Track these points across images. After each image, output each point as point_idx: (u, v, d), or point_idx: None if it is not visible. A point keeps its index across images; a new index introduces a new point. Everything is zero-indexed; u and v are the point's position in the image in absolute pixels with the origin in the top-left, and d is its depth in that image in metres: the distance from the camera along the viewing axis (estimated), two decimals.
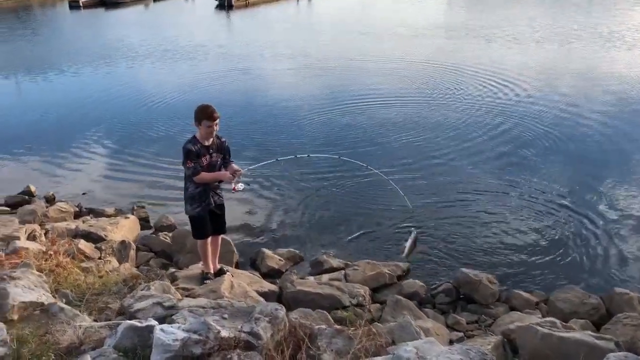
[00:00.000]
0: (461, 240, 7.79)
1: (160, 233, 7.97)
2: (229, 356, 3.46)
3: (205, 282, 5.78)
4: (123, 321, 3.94)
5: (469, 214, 8.60)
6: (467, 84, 16.66)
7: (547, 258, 7.30)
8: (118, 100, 16.77)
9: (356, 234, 8.11)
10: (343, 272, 6.74)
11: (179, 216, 8.55)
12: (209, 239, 5.86)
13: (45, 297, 4.66)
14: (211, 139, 5.45)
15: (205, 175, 5.44)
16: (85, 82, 20.00)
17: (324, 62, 21.14)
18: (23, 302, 4.35)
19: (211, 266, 6.01)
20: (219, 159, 5.57)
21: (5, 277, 4.61)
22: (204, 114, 5.31)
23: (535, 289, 6.48)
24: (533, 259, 7.27)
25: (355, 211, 8.84)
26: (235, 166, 5.58)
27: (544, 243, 7.64)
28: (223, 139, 5.63)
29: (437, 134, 12.48)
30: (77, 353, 3.74)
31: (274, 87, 17.71)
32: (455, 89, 16.29)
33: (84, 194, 10.02)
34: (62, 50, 26.80)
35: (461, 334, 5.45)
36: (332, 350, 3.96)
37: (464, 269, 6.44)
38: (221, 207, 5.84)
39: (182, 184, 5.78)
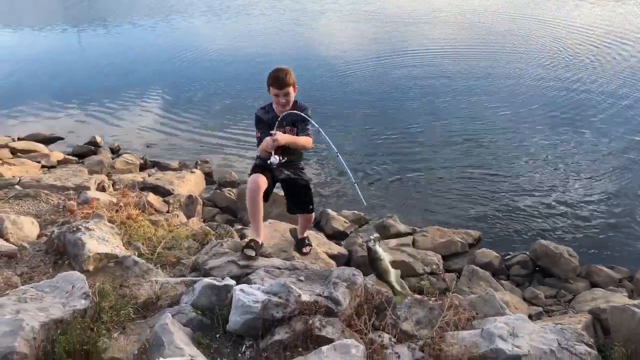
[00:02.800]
0: (535, 211, 7.39)
1: (224, 189, 7.91)
2: (310, 321, 3.32)
3: (245, 251, 4.35)
4: (200, 279, 3.86)
5: (544, 184, 8.13)
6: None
7: (629, 233, 6.84)
8: (187, 56, 16.67)
9: (421, 199, 7.83)
10: (411, 237, 6.51)
11: (243, 174, 8.50)
12: (257, 179, 4.30)
13: (119, 250, 4.65)
14: (285, 109, 4.35)
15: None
16: (156, 36, 20.04)
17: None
18: (98, 254, 4.34)
19: (259, 231, 4.51)
20: (294, 134, 4.41)
21: (80, 227, 4.61)
22: (271, 79, 4.32)
23: (617, 264, 6.07)
24: (614, 233, 6.82)
25: (420, 176, 8.53)
26: (279, 136, 4.23)
27: (625, 217, 7.17)
28: (304, 110, 4.42)
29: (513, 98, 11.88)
30: (154, 309, 3.70)
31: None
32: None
33: (148, 146, 10.07)
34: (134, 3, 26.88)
35: (540, 309, 5.18)
36: (412, 320, 3.79)
37: (542, 241, 6.10)
38: (295, 183, 4.64)
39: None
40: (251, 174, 4.49)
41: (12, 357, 2.68)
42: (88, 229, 4.62)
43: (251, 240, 4.44)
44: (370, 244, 3.72)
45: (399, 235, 6.67)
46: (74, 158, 9.19)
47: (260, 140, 4.39)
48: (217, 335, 3.38)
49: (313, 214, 4.94)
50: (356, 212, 7.37)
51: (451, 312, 3.71)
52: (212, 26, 21.40)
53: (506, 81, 13.00)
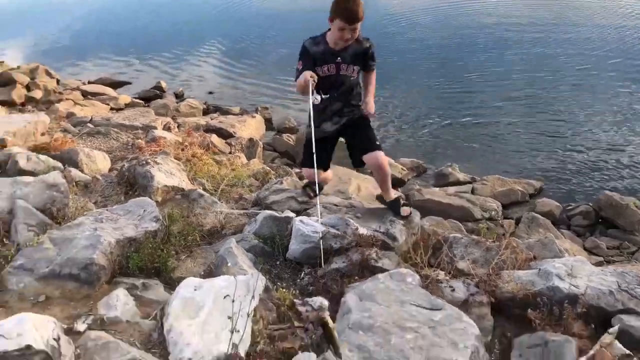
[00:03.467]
0: (600, 164, 7.15)
1: (283, 135, 8.03)
2: (367, 253, 3.41)
3: (305, 189, 4.37)
4: (262, 211, 4.00)
5: (611, 138, 7.82)
6: None
7: None
8: (245, 7, 16.70)
9: (482, 149, 7.71)
10: (470, 186, 6.46)
11: (301, 120, 8.58)
12: (310, 172, 3.91)
13: (185, 184, 4.86)
14: (344, 45, 3.73)
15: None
16: None
17: None
18: (166, 186, 4.56)
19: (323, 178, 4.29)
20: (353, 73, 3.85)
21: (149, 161, 4.83)
22: (341, 10, 3.57)
23: None
24: None
25: (483, 126, 8.37)
26: (371, 107, 3.87)
27: None
28: (368, 45, 3.83)
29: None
30: (218, 236, 3.88)
31: None
32: None
33: (210, 92, 10.28)
34: None
35: (601, 259, 5.09)
36: (469, 259, 3.82)
37: (607, 191, 5.93)
38: (353, 124, 4.04)
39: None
40: (303, 162, 4.20)
41: (92, 268, 2.91)
42: (156, 162, 4.84)
43: (313, 183, 4.05)
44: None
45: (457, 183, 6.64)
46: (141, 101, 9.53)
47: (297, 74, 3.73)
48: (277, 262, 3.53)
49: (382, 156, 3.96)
50: (415, 160, 7.35)
51: (508, 252, 3.71)
52: None
53: (579, 31, 12.37)
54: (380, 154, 3.91)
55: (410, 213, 4.02)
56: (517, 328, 3.11)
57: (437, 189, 6.36)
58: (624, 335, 2.91)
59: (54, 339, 2.39)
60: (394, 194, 4.21)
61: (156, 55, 12.89)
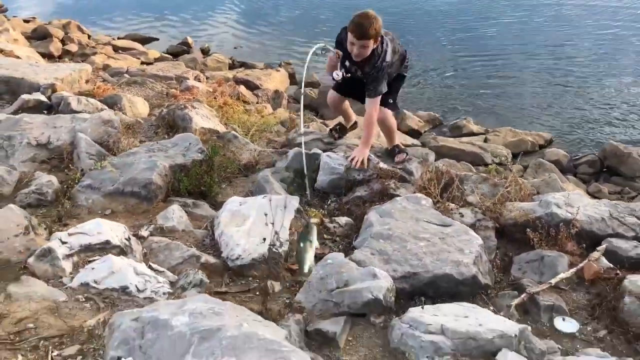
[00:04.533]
0: (609, 119, 7.47)
1: (306, 88, 8.40)
2: (386, 183, 3.85)
3: (332, 132, 4.73)
4: (292, 149, 4.44)
5: (619, 96, 8.10)
6: None
7: None
8: None
9: (497, 104, 8.04)
10: (483, 136, 6.83)
11: (323, 75, 8.95)
12: (333, 96, 4.43)
13: (220, 127, 5.30)
14: (360, 59, 3.81)
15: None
16: None
17: None
18: (203, 128, 4.99)
19: (346, 119, 4.76)
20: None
21: (187, 106, 5.27)
22: (352, 24, 3.66)
23: None
24: None
25: (498, 84, 8.67)
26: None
27: None
28: (375, 65, 3.81)
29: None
30: (253, 170, 4.33)
31: None
32: None
33: (235, 48, 10.65)
34: None
35: None
36: (477, 193, 4.24)
37: (612, 141, 6.28)
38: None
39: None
40: (334, 87, 4.43)
41: (151, 186, 3.39)
42: (194, 107, 5.28)
43: (338, 124, 4.81)
44: (310, 220, 3.20)
45: (471, 134, 7.01)
46: (169, 56, 9.93)
47: (331, 61, 4.12)
48: (307, 192, 3.98)
49: (389, 113, 4.22)
50: (431, 113, 7.71)
51: (513, 186, 4.12)
52: None
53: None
54: (386, 110, 4.17)
55: (404, 159, 4.25)
56: (517, 249, 3.53)
57: (452, 139, 6.74)
58: (611, 254, 3.32)
59: (125, 239, 2.89)
60: (396, 141, 4.44)
61: (180, 12, 13.20)
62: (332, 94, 4.44)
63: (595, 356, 2.47)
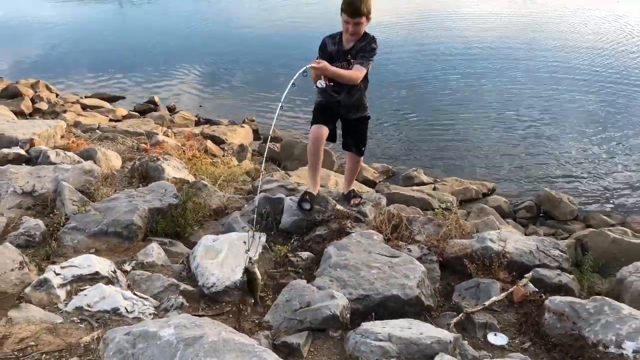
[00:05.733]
0: (546, 169, 8.25)
1: (269, 143, 8.94)
2: (343, 222, 4.33)
3: (301, 204, 4.38)
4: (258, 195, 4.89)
5: (556, 146, 8.96)
6: None
7: (627, 186, 7.66)
8: (228, 29, 17.77)
9: (445, 154, 8.76)
10: (432, 186, 7.44)
11: (285, 130, 9.55)
12: (319, 130, 4.20)
13: (190, 177, 5.72)
14: (352, 43, 4.01)
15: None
16: (198, 9, 21.17)
17: None
18: (174, 178, 5.41)
19: (316, 183, 4.54)
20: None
21: (159, 158, 5.70)
22: (345, 4, 3.87)
23: (615, 212, 6.91)
24: (614, 186, 7.66)
25: (445, 137, 9.43)
26: (324, 65, 3.80)
27: (624, 173, 8.01)
28: (368, 40, 4.01)
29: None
30: (223, 214, 4.75)
31: None
32: None
33: (200, 106, 11.19)
34: None
35: None
36: (424, 233, 4.76)
37: (547, 189, 6.96)
38: (355, 122, 4.46)
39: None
40: (312, 122, 4.30)
41: (132, 227, 3.78)
42: (165, 159, 5.71)
43: (306, 193, 4.44)
44: (249, 265, 3.06)
45: (421, 184, 7.62)
46: (136, 114, 10.36)
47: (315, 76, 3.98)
48: (272, 232, 4.41)
49: (362, 158, 4.73)
50: (385, 164, 8.32)
51: (454, 225, 4.66)
52: (253, 2, 22.40)
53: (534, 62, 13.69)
54: (361, 160, 4.78)
55: (359, 203, 4.67)
56: (458, 279, 4.01)
57: (404, 187, 7.32)
58: (538, 282, 3.84)
59: (112, 271, 3.26)
60: (352, 187, 4.88)
61: (145, 72, 13.74)
62: (315, 129, 4.23)
63: (517, 359, 2.93)
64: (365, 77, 4.17)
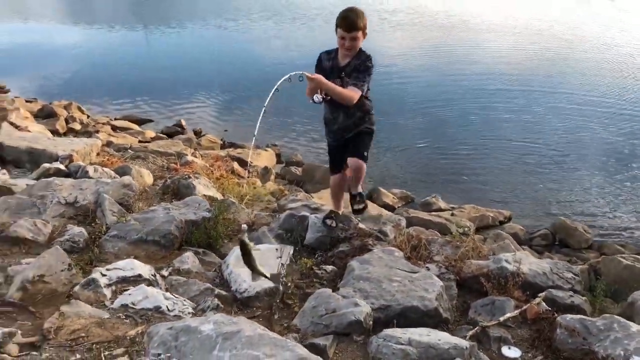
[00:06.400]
0: (558, 197, 8.43)
1: (291, 167, 9.24)
2: (365, 240, 4.57)
3: (326, 221, 4.60)
4: (284, 213, 5.16)
5: (574, 177, 9.14)
6: None
7: None
8: (251, 54, 18.35)
9: (463, 182, 8.99)
10: (450, 212, 7.64)
11: (306, 155, 9.87)
12: (336, 180, 4.62)
13: (218, 195, 6.01)
14: (347, 59, 3.98)
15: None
16: (221, 35, 21.91)
17: None
18: (205, 195, 5.70)
19: (339, 207, 4.80)
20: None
21: (190, 176, 6.01)
22: (340, 19, 3.89)
23: (630, 243, 7.04)
24: (630, 218, 7.80)
25: (464, 165, 9.67)
26: (318, 77, 3.82)
27: None
28: (363, 58, 3.98)
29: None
30: (250, 229, 5.01)
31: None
32: None
33: (225, 130, 11.58)
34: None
35: None
36: (442, 253, 4.97)
37: (563, 217, 7.14)
38: (355, 135, 4.35)
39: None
40: (330, 170, 4.70)
41: (169, 236, 4.06)
42: (196, 177, 6.02)
43: (331, 212, 4.70)
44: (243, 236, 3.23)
45: (439, 210, 7.83)
46: (164, 136, 10.75)
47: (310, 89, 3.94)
48: (297, 248, 4.65)
49: (364, 164, 4.30)
50: (404, 190, 8.56)
51: (471, 247, 4.87)
52: (274, 26, 23.14)
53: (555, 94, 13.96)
54: (362, 165, 4.27)
55: (363, 209, 4.70)
56: (474, 297, 4.21)
57: (422, 212, 7.54)
58: (550, 302, 4.02)
59: (152, 275, 3.52)
60: (359, 189, 4.67)
61: (170, 97, 14.19)
62: (334, 178, 4.61)
63: None
64: (366, 97, 4.15)
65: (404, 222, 5.24)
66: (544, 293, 4.07)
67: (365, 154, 4.33)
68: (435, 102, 12.80)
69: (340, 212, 4.74)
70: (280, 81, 3.86)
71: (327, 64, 4.12)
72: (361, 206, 4.71)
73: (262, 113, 3.90)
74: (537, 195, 8.51)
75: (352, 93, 3.89)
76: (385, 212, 7.14)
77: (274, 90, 3.89)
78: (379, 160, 9.74)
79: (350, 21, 3.84)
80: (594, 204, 8.17)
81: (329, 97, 3.97)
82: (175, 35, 22.79)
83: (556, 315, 3.77)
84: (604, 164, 9.67)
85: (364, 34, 3.94)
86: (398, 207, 8.14)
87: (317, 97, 3.95)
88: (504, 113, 12.10)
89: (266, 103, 3.86)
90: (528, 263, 4.54)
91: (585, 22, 23.06)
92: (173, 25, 24.03)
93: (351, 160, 4.29)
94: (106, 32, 24.23)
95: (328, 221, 4.58)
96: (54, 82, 15.68)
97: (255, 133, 4.39)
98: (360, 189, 4.73)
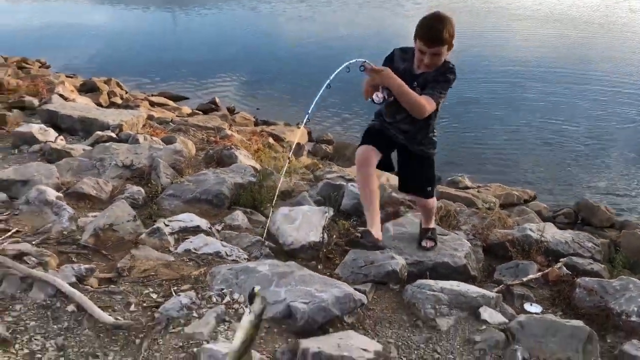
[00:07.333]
0: (583, 176, 8.66)
1: (322, 145, 9.59)
2: (398, 208, 4.90)
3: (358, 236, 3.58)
4: (320, 181, 5.52)
5: (600, 160, 9.34)
6: None
7: None
8: (282, 35, 18.65)
9: (489, 162, 9.25)
10: (476, 190, 7.92)
11: (337, 134, 10.20)
12: (366, 152, 3.50)
13: (257, 166, 6.39)
14: (428, 70, 3.25)
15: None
16: (247, 16, 22.24)
17: None
18: (247, 164, 6.08)
19: (373, 218, 3.57)
20: None
21: (232, 147, 6.39)
22: (421, 28, 3.15)
23: None
24: None
25: (490, 144, 9.91)
26: (388, 72, 3.13)
27: None
28: (451, 73, 3.26)
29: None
30: (290, 196, 5.38)
31: None
32: None
33: (257, 109, 11.96)
34: None
35: None
36: (469, 223, 5.28)
37: (586, 197, 7.38)
38: (416, 157, 3.64)
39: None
40: (361, 142, 3.63)
41: (221, 196, 4.46)
42: (237, 148, 6.40)
43: (364, 232, 3.54)
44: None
45: (466, 188, 8.10)
46: (199, 112, 11.16)
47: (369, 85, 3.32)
48: (332, 213, 4.99)
49: (433, 199, 3.89)
50: None
51: (497, 217, 5.17)
52: (307, 9, 23.37)
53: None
54: (432, 201, 3.87)
55: (431, 247, 3.93)
56: (499, 262, 4.53)
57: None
58: (571, 267, 4.30)
59: (208, 227, 3.91)
60: (431, 224, 4.05)
61: (203, 75, 14.64)
62: (361, 151, 3.54)
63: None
64: (436, 110, 3.36)
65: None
66: (565, 259, 4.37)
67: (430, 189, 3.77)
68: (463, 82, 12.98)
69: (374, 233, 3.51)
70: (337, 70, 3.34)
71: (400, 64, 3.35)
72: (430, 245, 3.93)
73: (315, 100, 3.66)
74: (562, 176, 8.73)
75: (426, 102, 3.14)
76: None
77: (326, 84, 3.50)
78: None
79: (434, 33, 3.10)
80: (617, 186, 8.37)
81: (392, 98, 3.28)
82: (209, 16, 23.22)
83: (576, 278, 4.08)
84: (631, 148, 9.81)
85: (450, 47, 3.20)
86: None
87: (379, 96, 3.29)
88: (533, 94, 12.30)
89: (318, 96, 3.56)
90: (551, 232, 4.84)
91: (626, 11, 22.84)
92: (208, 7, 24.45)
93: (418, 201, 3.96)
94: (140, 12, 24.77)
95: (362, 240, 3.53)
96: (90, 60, 16.22)
97: (309, 113, 4.13)
98: (432, 224, 4.06)
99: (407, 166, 3.72)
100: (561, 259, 4.34)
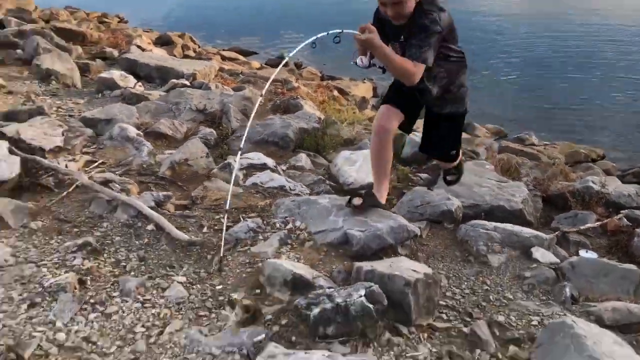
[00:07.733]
0: None
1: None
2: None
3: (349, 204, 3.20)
4: None
5: None
6: None
7: None
8: None
9: (557, 120, 9.03)
10: (543, 147, 7.81)
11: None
12: (387, 115, 3.17)
13: (322, 116, 6.58)
14: (402, 20, 2.85)
15: None
16: None
17: None
18: (310, 112, 6.28)
19: (380, 184, 3.28)
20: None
21: (297, 97, 6.60)
22: None
23: None
24: None
25: (557, 103, 9.66)
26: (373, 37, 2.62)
27: None
28: (427, 19, 2.75)
29: None
30: (352, 144, 5.55)
31: None
32: None
33: (324, 64, 12.09)
34: None
35: None
36: (530, 175, 5.30)
37: None
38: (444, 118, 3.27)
39: None
40: (383, 100, 3.33)
41: (286, 139, 4.70)
42: (302, 98, 6.60)
43: (367, 193, 3.27)
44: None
45: (532, 145, 8.00)
46: (268, 66, 11.42)
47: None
48: (394, 161, 5.13)
49: (458, 159, 3.63)
50: (497, 126, 8.76)
51: (559, 170, 5.16)
52: None
53: None
54: (454, 163, 3.67)
55: (455, 180, 3.84)
56: (558, 213, 4.56)
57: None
58: (632, 220, 4.28)
59: (274, 165, 4.15)
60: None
61: (272, 34, 14.90)
62: (382, 112, 3.23)
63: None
64: (449, 59, 3.00)
65: (496, 146, 5.60)
66: (626, 211, 4.35)
67: (454, 152, 3.53)
68: (533, 42, 12.61)
69: (380, 194, 3.26)
70: (309, 40, 3.19)
71: (383, 16, 2.97)
72: (454, 178, 3.82)
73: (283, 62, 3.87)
74: (635, 138, 8.43)
75: (412, 66, 2.70)
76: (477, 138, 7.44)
77: (306, 43, 3.21)
78: (474, 97, 9.91)
79: None
80: None
81: (376, 66, 3.08)
82: None
83: (635, 228, 4.07)
84: None
85: None
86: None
87: (363, 61, 3.12)
88: (605, 53, 11.77)
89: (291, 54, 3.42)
90: (614, 185, 4.80)
91: None
92: None
93: (440, 162, 3.75)
94: None
95: (354, 201, 3.21)
96: (165, 16, 16.78)
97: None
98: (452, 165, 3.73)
99: (432, 127, 3.38)
100: (622, 211, 4.33)
